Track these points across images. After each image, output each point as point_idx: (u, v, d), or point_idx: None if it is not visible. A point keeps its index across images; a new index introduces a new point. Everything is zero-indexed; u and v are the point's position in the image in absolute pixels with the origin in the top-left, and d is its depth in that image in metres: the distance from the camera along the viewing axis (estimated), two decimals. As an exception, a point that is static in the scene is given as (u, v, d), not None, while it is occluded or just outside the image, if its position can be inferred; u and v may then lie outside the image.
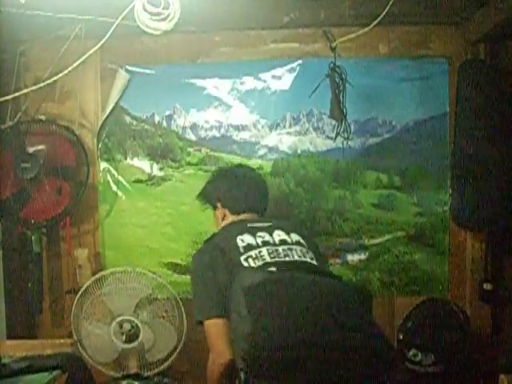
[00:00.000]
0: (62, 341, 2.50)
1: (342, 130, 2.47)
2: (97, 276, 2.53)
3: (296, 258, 1.81)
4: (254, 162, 2.82)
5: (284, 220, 2.19)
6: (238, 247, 1.81)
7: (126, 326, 2.46)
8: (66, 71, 2.19)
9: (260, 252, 1.79)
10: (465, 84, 2.51)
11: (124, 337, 2.46)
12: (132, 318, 2.46)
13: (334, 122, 2.52)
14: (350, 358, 1.47)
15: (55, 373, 2.12)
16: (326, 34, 2.50)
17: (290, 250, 1.83)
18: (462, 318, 2.44)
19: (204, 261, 1.85)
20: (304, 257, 1.83)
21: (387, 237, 2.76)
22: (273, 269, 1.71)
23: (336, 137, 2.50)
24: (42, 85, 2.22)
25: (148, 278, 2.51)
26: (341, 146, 2.57)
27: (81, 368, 2.33)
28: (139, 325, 2.45)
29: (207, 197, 2.16)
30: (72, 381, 2.18)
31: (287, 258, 1.79)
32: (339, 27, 2.59)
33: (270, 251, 1.80)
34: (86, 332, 2.50)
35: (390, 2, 2.31)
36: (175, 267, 2.83)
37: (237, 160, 2.81)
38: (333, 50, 2.48)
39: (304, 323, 1.49)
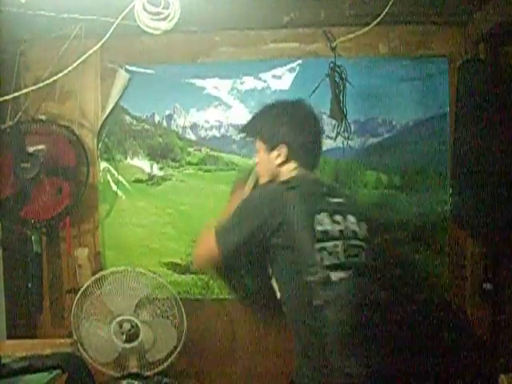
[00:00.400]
0: (61, 340, 2.50)
1: (342, 129, 2.47)
2: (97, 276, 2.53)
3: (363, 260, 1.65)
4: (254, 162, 2.80)
5: (349, 196, 2.01)
6: (314, 230, 1.57)
7: (126, 326, 2.46)
8: (66, 71, 2.19)
9: (335, 246, 1.59)
10: (465, 84, 2.51)
11: (124, 336, 2.46)
12: (132, 318, 2.46)
13: (333, 121, 2.52)
14: None
15: (55, 372, 2.11)
16: (326, 34, 2.50)
17: (361, 247, 1.66)
18: (461, 318, 2.44)
19: (268, 202, 1.61)
20: (367, 259, 1.66)
21: (387, 237, 2.76)
22: (343, 275, 1.56)
23: (336, 136, 2.50)
24: (42, 84, 2.22)
25: (148, 277, 2.51)
26: (341, 145, 2.57)
27: (81, 368, 2.33)
28: (139, 324, 2.46)
29: (267, 132, 1.77)
30: (72, 380, 2.18)
31: (356, 259, 1.62)
32: (339, 27, 2.59)
33: (345, 247, 1.61)
34: (86, 332, 2.50)
35: (391, 2, 2.31)
36: (175, 267, 2.82)
37: (237, 160, 2.81)
38: (333, 49, 2.48)
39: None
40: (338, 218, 1.63)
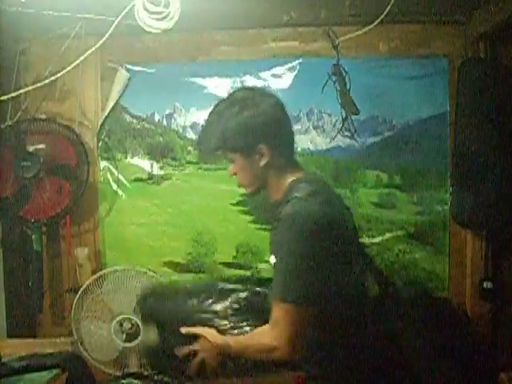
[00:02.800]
0: (62, 339, 2.51)
1: (348, 126, 2.46)
2: (97, 275, 2.53)
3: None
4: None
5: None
6: (355, 227, 1.53)
7: (126, 325, 2.46)
8: (66, 70, 2.20)
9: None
10: (465, 82, 2.51)
11: (124, 335, 2.47)
12: (132, 317, 2.46)
13: (334, 120, 2.52)
14: None
15: (55, 371, 2.12)
16: (328, 33, 2.49)
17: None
18: (461, 317, 2.44)
19: (327, 227, 1.40)
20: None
21: (387, 236, 2.76)
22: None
23: (339, 131, 2.49)
24: (42, 83, 2.23)
25: (148, 276, 2.52)
26: (341, 144, 2.56)
27: (81, 367, 2.33)
28: (139, 323, 2.45)
29: (242, 135, 1.52)
30: (72, 379, 2.19)
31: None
32: (339, 26, 2.58)
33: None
34: (86, 331, 2.50)
35: (391, 2, 2.31)
36: (175, 266, 2.82)
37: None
38: (335, 48, 2.48)
39: None
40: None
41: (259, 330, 1.51)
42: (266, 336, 1.44)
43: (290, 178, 1.55)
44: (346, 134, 2.48)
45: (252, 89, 1.71)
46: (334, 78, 2.45)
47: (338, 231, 1.43)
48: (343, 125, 2.46)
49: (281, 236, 1.44)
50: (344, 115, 2.46)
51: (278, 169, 1.55)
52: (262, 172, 1.55)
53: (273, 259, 1.49)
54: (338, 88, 2.46)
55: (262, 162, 1.53)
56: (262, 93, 1.63)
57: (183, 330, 1.64)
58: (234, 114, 1.53)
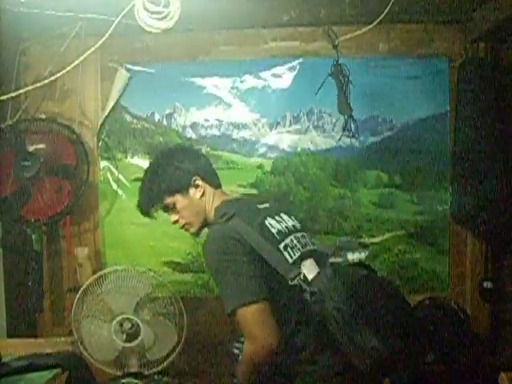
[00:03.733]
0: (62, 339, 2.51)
1: (348, 126, 2.46)
2: (97, 274, 2.52)
3: (311, 246, 1.72)
4: (254, 161, 2.82)
5: (271, 200, 1.98)
6: (272, 234, 1.63)
7: (127, 325, 2.45)
8: (66, 70, 2.19)
9: (292, 240, 1.66)
10: (465, 82, 2.51)
11: (124, 335, 2.46)
12: (132, 317, 2.46)
13: (334, 120, 2.52)
14: None
15: (55, 371, 2.12)
16: (329, 32, 2.49)
17: (304, 237, 1.74)
18: (461, 317, 2.45)
19: (229, 241, 1.57)
20: (312, 244, 1.75)
21: (387, 235, 2.76)
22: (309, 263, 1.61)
23: (343, 133, 2.48)
24: (42, 83, 2.22)
25: (148, 276, 2.51)
26: (341, 144, 2.56)
27: (81, 366, 2.33)
28: (139, 323, 2.45)
29: (176, 179, 1.74)
30: (72, 379, 2.19)
31: (308, 247, 1.69)
32: (339, 26, 2.58)
33: (297, 239, 1.69)
34: (86, 331, 2.50)
35: (391, 1, 2.31)
36: (175, 266, 2.83)
37: (237, 158, 2.81)
38: (335, 47, 2.48)
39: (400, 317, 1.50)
40: (278, 218, 1.71)
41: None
42: (246, 351, 1.55)
43: (216, 203, 1.75)
44: (347, 133, 2.47)
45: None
46: (333, 77, 2.45)
47: (245, 243, 1.56)
48: (346, 125, 2.46)
49: (206, 263, 1.63)
50: (346, 116, 2.45)
51: (210, 198, 1.77)
52: (200, 204, 1.76)
53: None
54: (337, 88, 2.46)
55: (199, 194, 1.75)
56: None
57: None
58: (165, 165, 1.77)
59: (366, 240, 2.76)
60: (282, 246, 1.62)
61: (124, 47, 2.76)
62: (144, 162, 2.86)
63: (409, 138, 2.75)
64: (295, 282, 1.56)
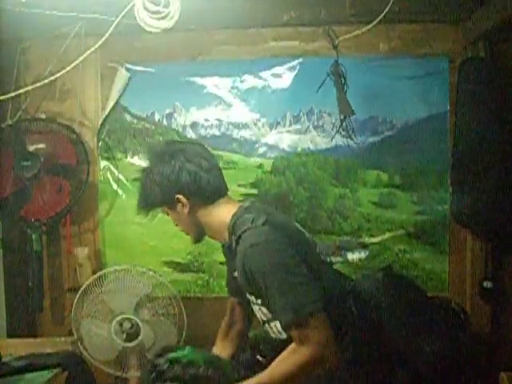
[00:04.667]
0: (62, 339, 2.51)
1: (346, 126, 2.46)
2: (97, 274, 2.53)
3: None
4: (254, 161, 2.82)
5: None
6: (312, 239, 1.65)
7: (127, 325, 2.46)
8: (66, 69, 2.20)
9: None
10: (465, 82, 2.51)
11: (124, 335, 2.46)
12: (132, 317, 2.46)
13: (334, 120, 2.51)
14: None
15: (55, 371, 2.12)
16: (329, 32, 2.49)
17: None
18: (461, 317, 2.44)
19: (282, 248, 1.51)
20: None
21: (387, 235, 2.76)
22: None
23: (337, 132, 2.49)
24: (42, 83, 2.23)
25: (148, 276, 2.51)
26: (341, 144, 2.57)
27: (81, 366, 2.33)
28: (139, 323, 2.46)
29: (159, 193, 1.69)
30: (72, 379, 2.19)
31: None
32: (339, 26, 2.58)
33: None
34: (86, 330, 2.50)
35: (391, 1, 2.31)
36: (176, 265, 2.82)
37: (237, 158, 2.81)
38: (335, 47, 2.48)
39: None
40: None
41: (284, 355, 1.51)
42: (298, 354, 1.47)
43: (228, 215, 1.66)
44: (344, 134, 2.47)
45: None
46: (332, 77, 2.45)
47: (299, 240, 1.56)
48: (341, 125, 2.46)
49: (253, 269, 1.50)
50: (342, 116, 2.45)
51: (205, 211, 1.68)
52: (191, 219, 1.69)
53: (253, 298, 1.60)
54: (336, 88, 2.46)
55: (186, 210, 1.67)
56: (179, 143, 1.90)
57: None
58: (153, 174, 1.69)
59: (366, 240, 2.76)
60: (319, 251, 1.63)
61: (124, 47, 2.76)
62: (144, 162, 2.85)
63: (409, 138, 2.74)
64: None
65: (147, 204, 1.75)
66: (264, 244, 1.50)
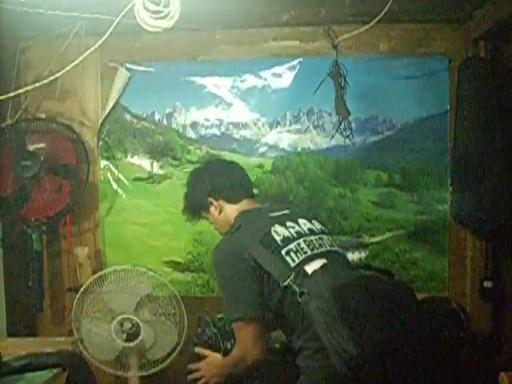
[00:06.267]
0: (62, 339, 2.51)
1: (343, 127, 2.46)
2: (97, 274, 2.52)
3: (328, 247, 1.78)
4: (254, 160, 2.82)
5: (294, 206, 2.19)
6: (275, 241, 1.72)
7: (127, 325, 2.45)
8: (66, 69, 2.19)
9: (299, 244, 1.73)
10: (465, 82, 2.51)
11: (124, 335, 2.46)
12: (132, 317, 2.46)
13: (334, 120, 2.52)
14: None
15: (56, 371, 2.12)
16: (328, 32, 2.49)
17: (321, 239, 1.79)
18: (462, 316, 2.44)
19: (234, 255, 1.72)
20: (332, 246, 1.81)
21: (387, 235, 2.76)
22: (316, 265, 1.67)
23: (335, 133, 2.50)
24: (42, 83, 2.22)
25: (148, 276, 2.51)
26: (341, 143, 2.57)
27: (81, 366, 2.33)
28: (140, 323, 2.46)
29: (197, 200, 1.98)
30: (72, 379, 2.19)
31: (322, 249, 1.75)
32: (339, 25, 2.58)
33: (307, 243, 1.74)
34: (86, 330, 2.50)
35: (391, 1, 2.31)
36: (176, 265, 2.83)
37: (237, 158, 2.81)
38: (335, 47, 2.48)
39: (390, 322, 1.51)
40: (289, 224, 1.79)
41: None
42: (233, 351, 1.80)
43: (234, 214, 1.89)
44: (343, 134, 2.48)
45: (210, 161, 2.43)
46: (331, 77, 2.45)
47: (247, 256, 1.69)
48: (340, 125, 2.47)
49: (212, 270, 1.88)
50: (341, 117, 2.46)
51: (229, 211, 1.91)
52: (221, 219, 1.93)
53: None
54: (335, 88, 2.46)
55: (217, 212, 1.93)
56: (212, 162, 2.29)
57: (196, 349, 2.03)
58: (191, 185, 2.02)
59: (366, 240, 2.76)
60: (284, 251, 1.69)
61: (124, 47, 2.76)
62: (144, 162, 2.86)
63: (409, 138, 2.75)
64: (286, 283, 1.64)
65: (191, 209, 2.02)
66: (222, 253, 1.78)
